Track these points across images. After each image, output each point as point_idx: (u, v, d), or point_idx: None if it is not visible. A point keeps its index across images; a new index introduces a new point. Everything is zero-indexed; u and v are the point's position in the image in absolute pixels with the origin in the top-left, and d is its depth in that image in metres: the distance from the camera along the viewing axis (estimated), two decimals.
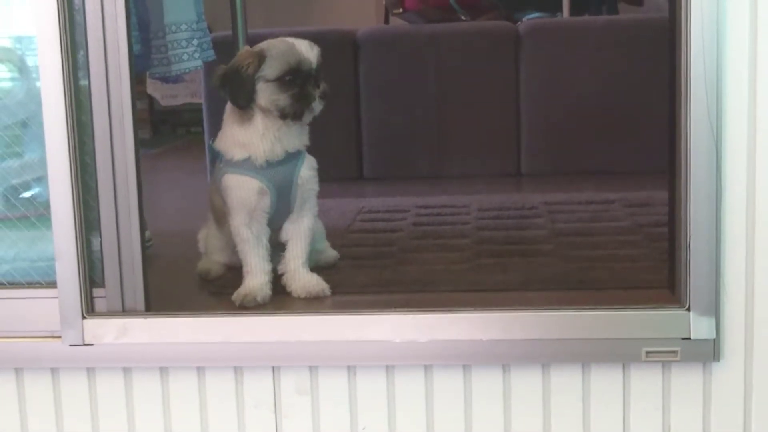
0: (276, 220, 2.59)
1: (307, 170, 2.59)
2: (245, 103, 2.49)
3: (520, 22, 4.83)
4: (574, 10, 6.06)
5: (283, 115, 2.48)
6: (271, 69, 2.46)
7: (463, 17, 5.09)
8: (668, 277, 2.36)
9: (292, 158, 2.55)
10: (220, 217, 2.64)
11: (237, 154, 2.53)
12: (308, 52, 2.47)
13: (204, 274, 2.79)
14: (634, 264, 2.75)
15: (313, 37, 4.46)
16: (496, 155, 4.60)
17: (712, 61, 2.15)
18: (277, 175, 2.54)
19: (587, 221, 3.35)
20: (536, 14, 5.29)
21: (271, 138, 2.51)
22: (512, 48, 4.56)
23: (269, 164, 2.52)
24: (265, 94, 2.47)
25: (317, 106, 2.49)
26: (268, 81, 2.46)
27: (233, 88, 2.49)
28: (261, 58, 2.46)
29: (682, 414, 2.28)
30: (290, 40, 2.49)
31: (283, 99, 2.46)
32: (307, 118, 2.51)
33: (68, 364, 2.39)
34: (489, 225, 3.36)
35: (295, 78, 2.45)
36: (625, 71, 4.44)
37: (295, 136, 2.55)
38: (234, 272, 2.71)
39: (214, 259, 2.80)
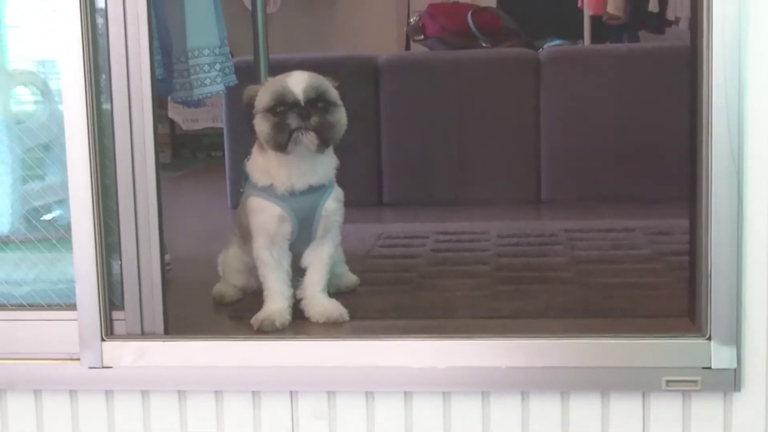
0: (298, 246, 2.59)
1: (333, 202, 2.58)
2: (250, 132, 2.50)
3: (541, 49, 4.84)
4: (595, 38, 6.07)
5: (268, 145, 2.45)
6: (260, 100, 2.45)
7: (484, 44, 5.10)
8: (689, 306, 2.35)
9: (316, 190, 2.54)
10: (247, 236, 2.64)
11: (261, 180, 2.53)
12: (296, 84, 2.41)
13: (219, 298, 2.79)
14: (654, 292, 2.73)
15: (334, 63, 4.50)
16: (516, 182, 4.60)
17: (733, 90, 2.15)
18: (300, 205, 2.53)
19: (607, 249, 3.33)
20: (557, 41, 5.29)
21: (288, 169, 2.49)
22: (533, 75, 4.56)
23: (292, 194, 2.52)
24: (256, 125, 2.47)
25: (304, 138, 2.41)
26: (258, 112, 2.46)
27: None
28: (258, 89, 2.47)
29: None
30: (295, 72, 2.46)
31: (266, 129, 2.43)
32: (292, 149, 2.42)
33: (86, 386, 2.40)
34: (508, 252, 3.35)
35: (283, 110, 2.41)
36: (645, 99, 4.44)
37: (316, 170, 2.52)
38: (253, 296, 2.71)
39: (230, 282, 2.80)
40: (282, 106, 2.41)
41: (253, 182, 2.56)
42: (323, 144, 2.44)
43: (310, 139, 2.41)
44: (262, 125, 2.44)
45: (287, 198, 2.51)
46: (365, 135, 4.57)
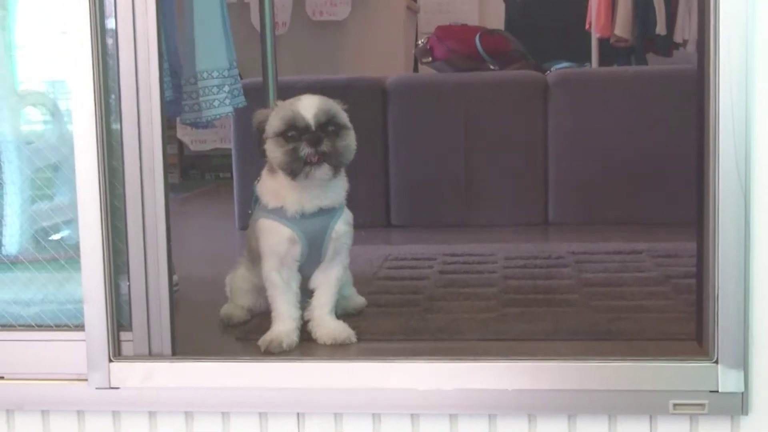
0: (306, 268, 2.60)
1: (342, 225, 2.58)
2: (260, 156, 2.51)
3: (548, 72, 4.85)
4: (603, 61, 6.08)
5: (282, 172, 2.45)
6: (270, 125, 2.45)
7: (491, 66, 5.11)
8: (696, 329, 2.35)
9: (326, 212, 2.55)
10: (256, 257, 2.65)
11: (272, 202, 2.54)
12: (306, 108, 2.40)
13: (227, 320, 2.79)
14: (661, 315, 2.73)
15: (342, 85, 4.51)
16: (523, 204, 4.60)
17: (740, 113, 2.15)
18: (310, 227, 2.54)
19: (615, 271, 3.33)
20: (565, 64, 5.30)
21: (299, 192, 2.50)
22: (541, 97, 4.58)
23: (302, 216, 2.53)
24: (268, 150, 2.47)
25: (317, 172, 2.41)
26: (269, 137, 2.46)
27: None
28: (269, 114, 2.48)
29: None
30: (305, 96, 2.45)
31: (279, 156, 2.43)
32: (302, 177, 2.42)
33: (94, 407, 2.40)
34: (516, 274, 3.35)
35: (294, 135, 2.41)
36: (653, 122, 4.45)
37: (327, 193, 2.52)
38: (260, 317, 2.72)
39: (238, 303, 2.81)
40: (293, 130, 2.41)
41: (264, 204, 2.57)
42: (336, 170, 2.45)
43: (323, 171, 2.41)
44: (274, 151, 2.45)
45: (297, 220, 2.52)
46: (373, 156, 4.58)
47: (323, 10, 6.71)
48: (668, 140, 4.37)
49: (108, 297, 2.35)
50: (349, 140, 2.47)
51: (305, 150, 2.39)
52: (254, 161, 2.63)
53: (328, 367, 2.35)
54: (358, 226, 2.66)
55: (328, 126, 2.42)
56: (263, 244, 2.56)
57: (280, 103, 2.51)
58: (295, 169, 2.42)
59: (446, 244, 3.97)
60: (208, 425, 2.38)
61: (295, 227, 2.52)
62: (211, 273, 3.27)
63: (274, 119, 2.45)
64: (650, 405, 2.23)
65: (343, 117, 2.47)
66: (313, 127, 2.40)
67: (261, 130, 2.48)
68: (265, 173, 2.58)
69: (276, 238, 2.53)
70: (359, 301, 2.88)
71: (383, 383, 2.30)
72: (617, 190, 4.49)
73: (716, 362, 2.20)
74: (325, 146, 2.40)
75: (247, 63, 4.18)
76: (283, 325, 2.51)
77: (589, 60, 6.11)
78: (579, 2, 6.27)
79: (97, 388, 2.37)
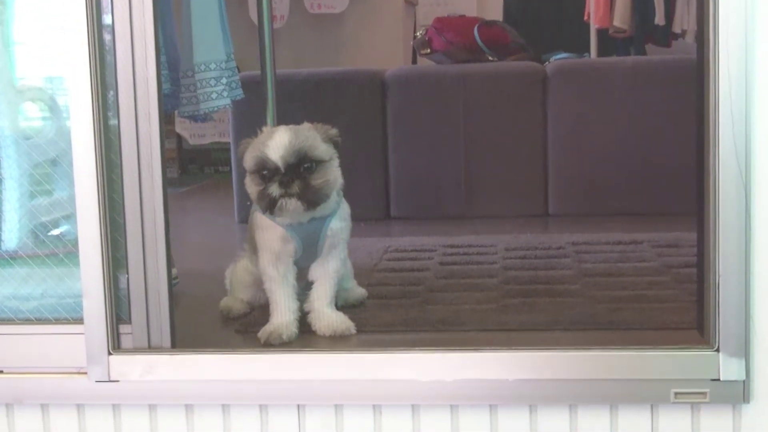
0: (303, 261, 2.59)
1: (338, 222, 2.56)
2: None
3: (547, 63, 4.85)
4: (602, 51, 6.07)
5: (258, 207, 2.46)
6: (246, 161, 2.44)
7: (490, 58, 5.10)
8: (697, 318, 2.35)
9: (321, 217, 2.54)
10: (256, 249, 2.64)
11: None
12: (275, 150, 2.36)
13: (226, 312, 2.79)
14: (662, 305, 2.73)
15: (341, 78, 4.50)
16: (523, 195, 4.60)
17: (739, 102, 2.15)
18: (304, 230, 2.52)
19: (615, 261, 3.33)
20: (564, 55, 5.29)
21: None
22: (540, 88, 4.57)
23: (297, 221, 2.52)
24: (246, 184, 2.47)
25: (289, 205, 2.38)
26: (247, 171, 2.45)
27: None
28: (247, 147, 2.45)
29: None
30: (278, 133, 2.40)
31: (253, 193, 2.43)
32: (277, 213, 2.41)
33: (94, 400, 2.40)
34: (516, 265, 3.35)
35: (266, 175, 2.39)
36: (652, 112, 4.44)
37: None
38: (260, 310, 2.72)
39: (238, 296, 2.81)
40: (265, 170, 2.39)
41: None
42: (310, 207, 2.42)
43: (295, 206, 2.39)
44: (250, 187, 2.45)
45: (291, 224, 2.51)
46: (372, 149, 4.57)
47: (321, 3, 6.70)
48: (668, 130, 4.37)
49: (107, 290, 2.35)
50: (327, 176, 2.43)
51: (275, 192, 2.38)
52: None
53: (328, 358, 2.35)
54: (357, 218, 2.66)
55: (300, 165, 2.38)
56: (259, 238, 2.56)
57: (264, 130, 2.46)
58: (268, 206, 2.41)
59: (446, 235, 3.97)
60: (209, 418, 2.38)
61: (289, 228, 2.51)
62: (211, 266, 3.27)
63: (249, 156, 2.42)
64: (651, 394, 2.23)
65: (320, 151, 2.42)
66: (282, 170, 2.37)
67: (242, 159, 2.47)
68: None
69: (270, 234, 2.53)
70: (360, 292, 2.88)
71: (384, 374, 2.30)
72: (617, 181, 4.49)
73: (717, 351, 2.20)
74: (295, 187, 2.37)
75: (245, 57, 4.18)
76: (282, 317, 2.51)
77: (588, 51, 6.10)
78: None
79: (96, 382, 2.37)
